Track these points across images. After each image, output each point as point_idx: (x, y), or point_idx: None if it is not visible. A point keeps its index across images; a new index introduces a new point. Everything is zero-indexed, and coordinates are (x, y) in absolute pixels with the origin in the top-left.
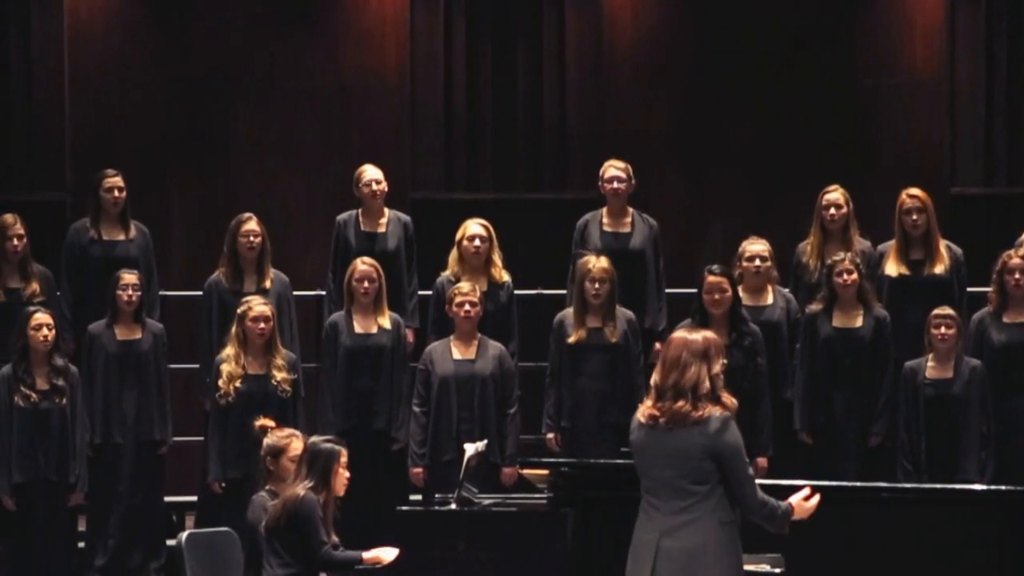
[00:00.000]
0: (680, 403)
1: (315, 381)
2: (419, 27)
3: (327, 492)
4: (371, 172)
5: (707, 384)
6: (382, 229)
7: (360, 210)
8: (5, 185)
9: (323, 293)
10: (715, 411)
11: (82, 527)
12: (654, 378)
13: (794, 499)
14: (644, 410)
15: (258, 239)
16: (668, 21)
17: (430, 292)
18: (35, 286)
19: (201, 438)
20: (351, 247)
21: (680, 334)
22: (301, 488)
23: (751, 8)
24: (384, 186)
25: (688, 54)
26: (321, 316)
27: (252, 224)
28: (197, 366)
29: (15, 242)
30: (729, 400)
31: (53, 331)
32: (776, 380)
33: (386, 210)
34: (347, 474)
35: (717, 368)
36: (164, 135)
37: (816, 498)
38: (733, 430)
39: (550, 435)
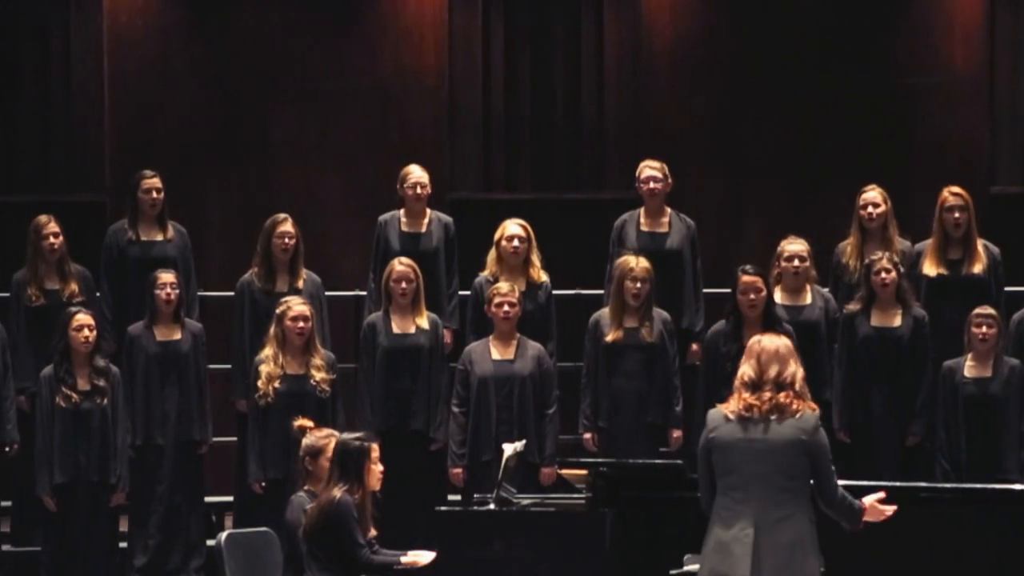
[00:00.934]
0: (783, 395)
1: (353, 381)
2: (457, 27)
3: (362, 490)
4: (416, 173)
5: (801, 383)
6: (423, 229)
7: (402, 210)
8: (46, 187)
9: (362, 293)
10: (809, 408)
11: (123, 527)
12: (746, 373)
13: (868, 499)
14: (734, 403)
15: (292, 240)
16: (706, 20)
17: (468, 292)
18: (74, 287)
19: (235, 438)
20: (392, 247)
21: (767, 335)
22: (336, 491)
23: (789, 7)
24: (428, 188)
25: (726, 53)
26: (360, 316)
27: (287, 226)
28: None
29: (51, 240)
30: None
31: (94, 331)
32: (814, 380)
33: (428, 210)
34: (380, 468)
35: (802, 370)
36: (203, 136)
37: (892, 508)
38: (822, 428)
39: (587, 435)
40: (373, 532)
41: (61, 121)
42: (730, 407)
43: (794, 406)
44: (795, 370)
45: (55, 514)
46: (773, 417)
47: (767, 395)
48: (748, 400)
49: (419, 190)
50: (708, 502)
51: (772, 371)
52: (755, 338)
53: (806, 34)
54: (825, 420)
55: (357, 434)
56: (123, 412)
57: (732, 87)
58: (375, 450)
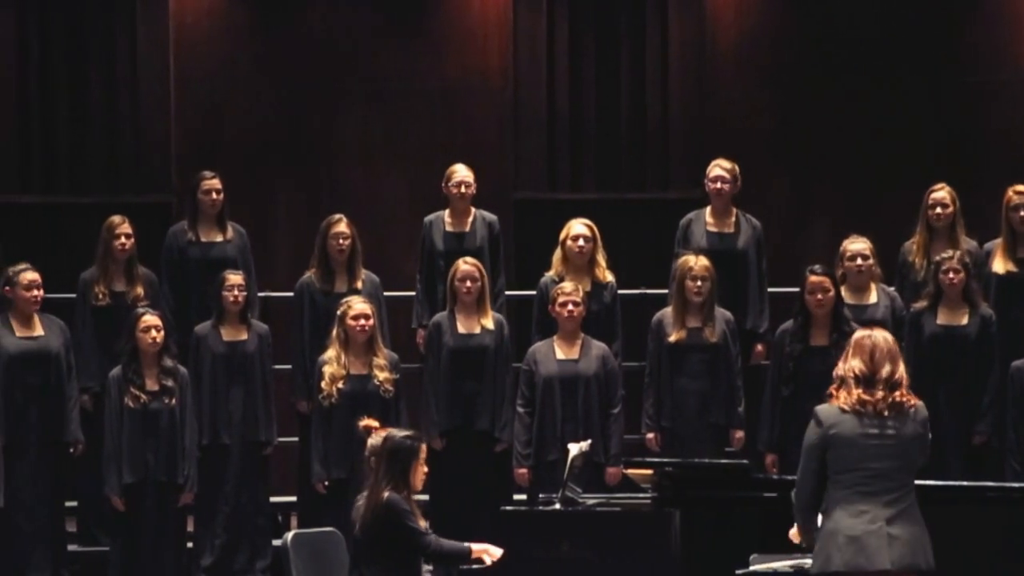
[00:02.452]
0: (898, 393)
1: (416, 381)
2: (522, 28)
3: (407, 490)
4: (461, 172)
5: (907, 379)
6: (467, 229)
7: (447, 210)
8: (113, 188)
9: None
10: (919, 402)
11: (189, 527)
12: (855, 367)
13: None
14: (848, 399)
15: (347, 240)
16: (771, 19)
17: (534, 292)
18: (139, 290)
19: (297, 439)
20: (436, 247)
21: (873, 330)
22: (384, 490)
23: (855, 5)
24: (473, 187)
25: (791, 52)
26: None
27: (342, 226)
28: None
29: (122, 240)
30: None
31: (162, 332)
32: None
33: (472, 210)
34: (425, 469)
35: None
36: (269, 137)
37: None
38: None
39: (649, 435)
40: (424, 523)
41: (128, 123)
42: (843, 401)
43: (910, 402)
44: (903, 369)
45: (123, 514)
46: (890, 415)
47: (880, 394)
48: (862, 396)
49: (464, 189)
50: (808, 496)
51: (885, 370)
52: (862, 333)
53: (872, 32)
54: None
55: (407, 432)
56: (190, 412)
57: (797, 86)
58: (423, 451)
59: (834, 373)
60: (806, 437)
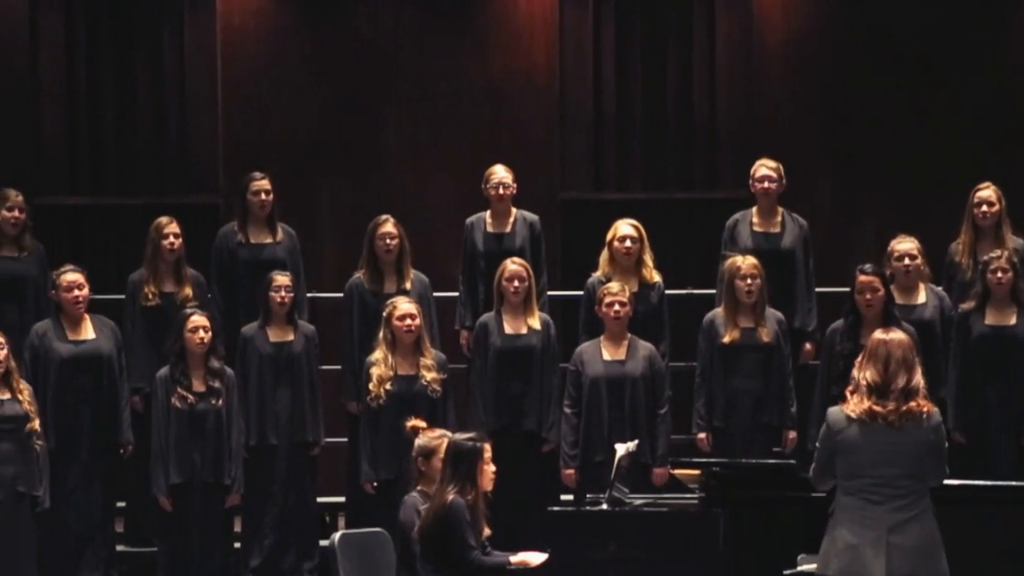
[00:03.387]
0: (912, 403)
1: (463, 381)
2: (568, 28)
3: (475, 491)
4: (500, 173)
5: (923, 383)
6: (508, 229)
7: (488, 211)
8: (160, 189)
9: None
10: (932, 408)
11: (237, 528)
12: (868, 375)
13: None
14: (857, 407)
15: (395, 241)
16: (819, 18)
17: (581, 293)
18: (188, 291)
19: (346, 439)
20: (477, 248)
21: (889, 334)
22: (449, 493)
23: (902, 4)
24: (513, 188)
25: (838, 51)
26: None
27: (388, 226)
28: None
29: (171, 240)
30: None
31: (209, 333)
32: (929, 379)
33: (513, 210)
34: (492, 468)
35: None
36: (316, 138)
37: None
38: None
39: (701, 435)
40: (487, 532)
41: (175, 124)
42: (851, 408)
43: (922, 410)
44: (920, 375)
45: (170, 514)
46: (901, 424)
47: (892, 404)
48: (873, 407)
49: (502, 190)
50: (819, 483)
51: (900, 380)
52: (879, 336)
53: (918, 31)
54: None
55: (470, 434)
56: (237, 413)
57: (844, 85)
58: (487, 450)
59: (851, 375)
60: (819, 436)
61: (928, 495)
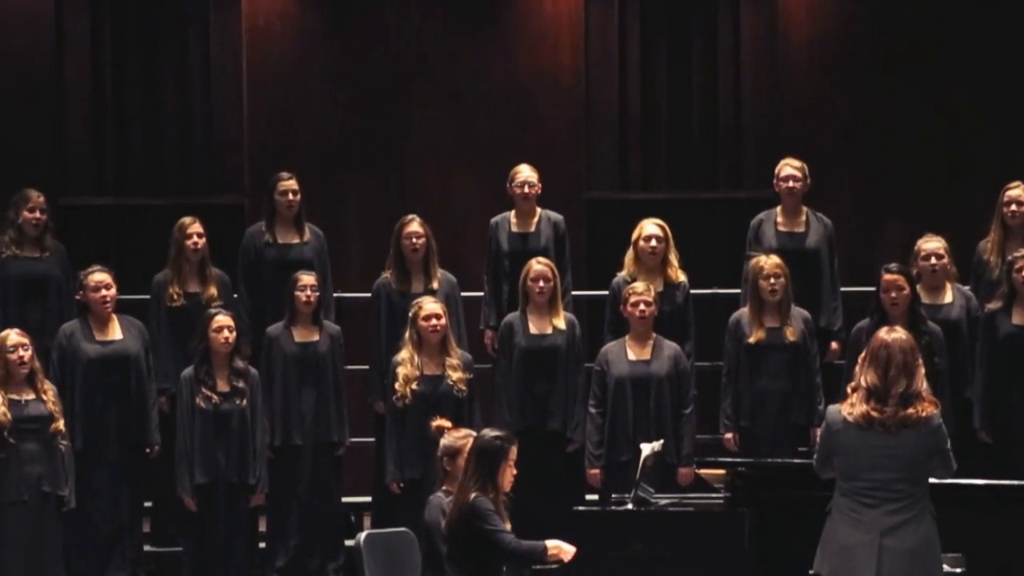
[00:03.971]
0: (910, 409)
1: (489, 381)
2: (593, 27)
3: (495, 491)
4: (525, 173)
5: (924, 384)
6: (532, 229)
7: (513, 211)
8: (186, 190)
9: None
10: (932, 409)
11: (262, 527)
12: (868, 379)
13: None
14: (854, 410)
15: (421, 240)
16: (844, 17)
17: (606, 293)
18: (213, 290)
19: (374, 439)
20: (502, 248)
21: (891, 336)
22: (471, 491)
23: (928, 4)
24: (538, 187)
25: (863, 50)
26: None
27: (415, 226)
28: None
29: (194, 240)
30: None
31: (234, 333)
32: (956, 379)
33: (538, 210)
34: (514, 471)
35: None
36: (341, 138)
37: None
38: (943, 424)
39: (728, 435)
40: (508, 527)
41: (200, 125)
42: (849, 410)
43: (921, 413)
44: (921, 378)
45: (196, 514)
46: (897, 429)
47: (890, 410)
48: (870, 412)
49: (527, 189)
50: (822, 472)
51: (900, 386)
52: (881, 337)
53: (945, 28)
54: (967, 419)
55: (497, 433)
56: (261, 413)
57: (869, 84)
58: (512, 452)
59: (854, 371)
60: (820, 431)
61: (926, 497)
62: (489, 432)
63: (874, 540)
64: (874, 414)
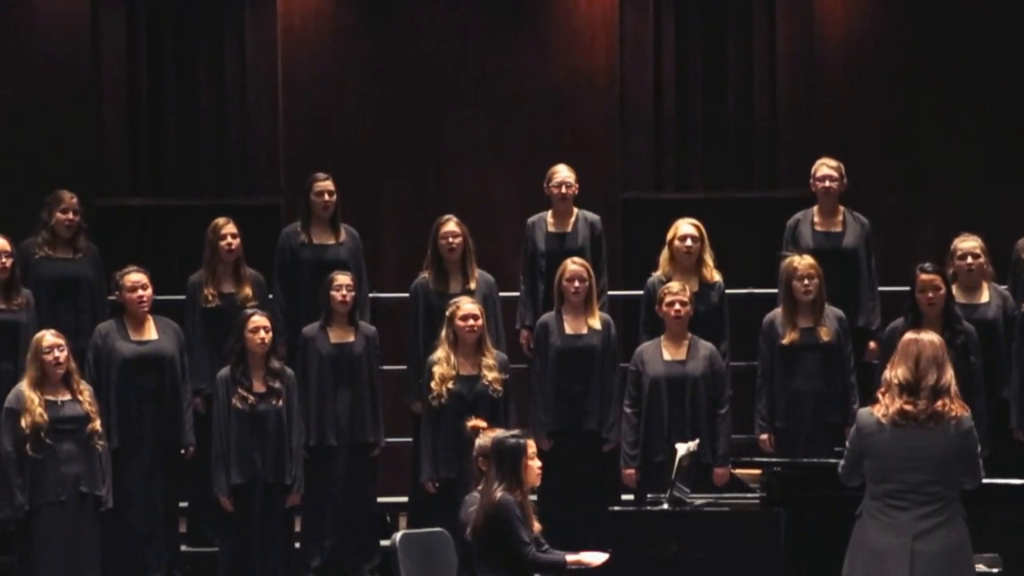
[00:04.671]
0: (940, 402)
1: (524, 381)
2: (628, 27)
3: (520, 488)
4: (563, 173)
5: (954, 385)
6: (569, 229)
7: (549, 211)
8: (222, 190)
9: None
10: (963, 411)
11: (297, 528)
12: (900, 374)
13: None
14: (887, 408)
15: (458, 240)
16: (880, 18)
17: (641, 293)
18: (247, 291)
19: (410, 439)
20: (539, 248)
21: (921, 335)
22: (497, 491)
23: (963, 4)
24: (575, 187)
25: (899, 50)
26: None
27: (451, 226)
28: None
29: (228, 241)
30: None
31: (270, 333)
32: (992, 379)
33: (575, 210)
34: (538, 464)
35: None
36: (377, 138)
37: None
38: (974, 427)
39: (763, 436)
40: (538, 527)
41: (236, 125)
42: (882, 410)
43: (952, 412)
44: (951, 374)
45: (232, 515)
46: (930, 425)
47: (923, 403)
48: (904, 406)
49: (564, 189)
50: (848, 479)
51: (931, 377)
52: (910, 336)
53: (979, 29)
54: (1003, 419)
55: (512, 432)
56: (297, 413)
57: (906, 83)
58: (531, 446)
59: (882, 376)
60: (849, 435)
61: (958, 500)
62: (503, 433)
63: (906, 544)
64: (908, 408)
